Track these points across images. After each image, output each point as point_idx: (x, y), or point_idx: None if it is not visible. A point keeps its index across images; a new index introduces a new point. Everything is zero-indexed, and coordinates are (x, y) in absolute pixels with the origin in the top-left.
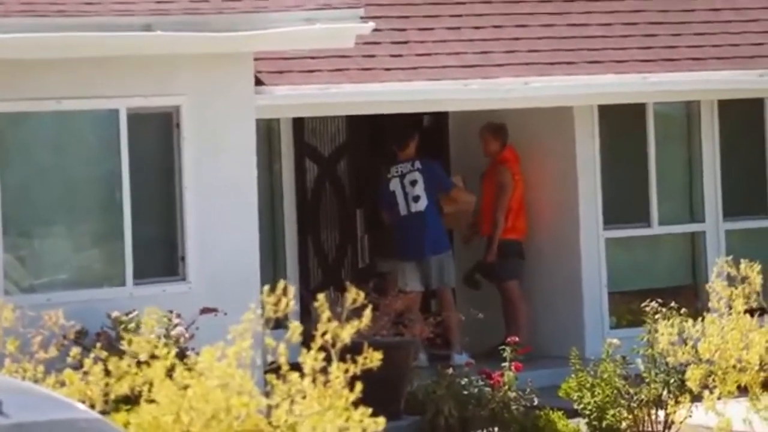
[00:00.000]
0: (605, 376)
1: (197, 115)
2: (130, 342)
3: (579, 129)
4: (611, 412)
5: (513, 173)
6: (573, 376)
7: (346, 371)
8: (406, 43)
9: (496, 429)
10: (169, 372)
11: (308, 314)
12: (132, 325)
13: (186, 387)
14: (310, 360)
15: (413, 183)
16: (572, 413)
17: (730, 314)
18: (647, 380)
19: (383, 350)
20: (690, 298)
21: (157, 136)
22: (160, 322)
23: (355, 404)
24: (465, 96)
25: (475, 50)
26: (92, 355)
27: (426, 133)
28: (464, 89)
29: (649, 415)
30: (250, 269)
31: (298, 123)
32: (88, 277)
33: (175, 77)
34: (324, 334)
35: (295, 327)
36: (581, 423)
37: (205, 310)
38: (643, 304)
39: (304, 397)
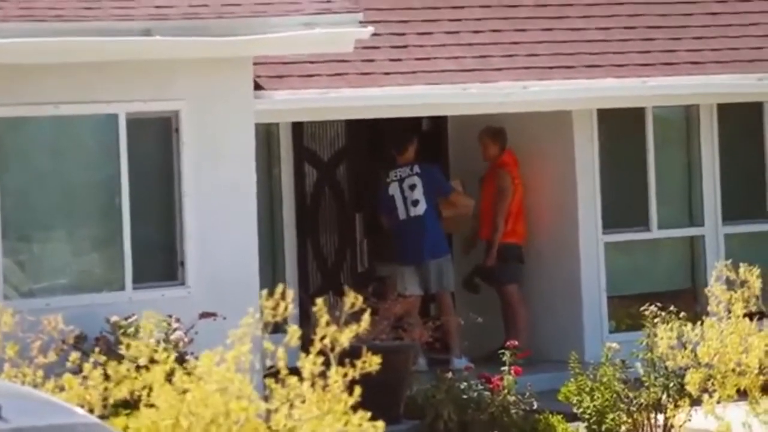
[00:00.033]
0: (604, 380)
1: (196, 119)
2: (129, 346)
3: (578, 133)
4: (611, 416)
5: (512, 177)
6: (572, 380)
7: (345, 375)
8: (405, 47)
9: None
10: (168, 376)
11: (307, 318)
12: (131, 330)
13: (185, 391)
14: (309, 364)
15: (412, 187)
16: (572, 417)
17: (730, 318)
18: (646, 384)
19: (382, 354)
20: (689, 301)
21: (157, 140)
22: (159, 326)
23: (354, 408)
24: (464, 100)
25: (474, 54)
26: (91, 359)
27: (425, 138)
28: (463, 93)
29: (649, 419)
30: (249, 273)
31: (298, 127)
32: (88, 282)
33: (175, 82)
34: (323, 338)
35: (294, 331)
36: (581, 427)
37: (204, 315)
38: (642, 308)
39: (303, 402)
